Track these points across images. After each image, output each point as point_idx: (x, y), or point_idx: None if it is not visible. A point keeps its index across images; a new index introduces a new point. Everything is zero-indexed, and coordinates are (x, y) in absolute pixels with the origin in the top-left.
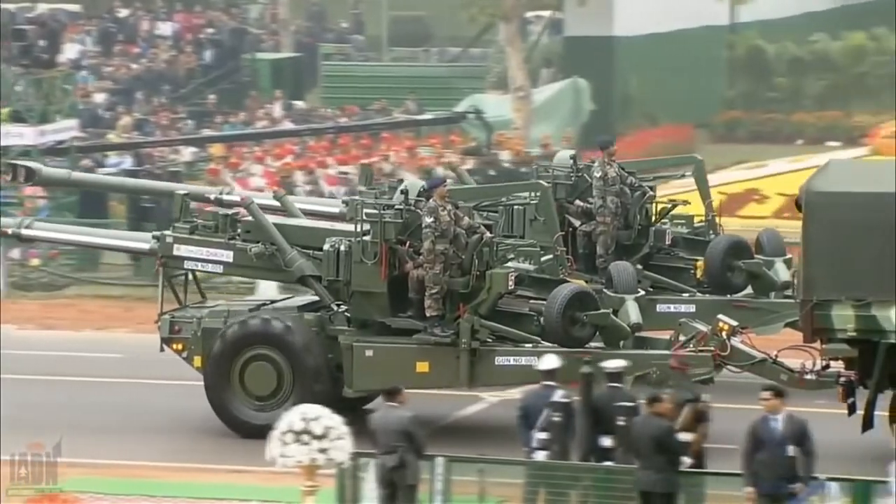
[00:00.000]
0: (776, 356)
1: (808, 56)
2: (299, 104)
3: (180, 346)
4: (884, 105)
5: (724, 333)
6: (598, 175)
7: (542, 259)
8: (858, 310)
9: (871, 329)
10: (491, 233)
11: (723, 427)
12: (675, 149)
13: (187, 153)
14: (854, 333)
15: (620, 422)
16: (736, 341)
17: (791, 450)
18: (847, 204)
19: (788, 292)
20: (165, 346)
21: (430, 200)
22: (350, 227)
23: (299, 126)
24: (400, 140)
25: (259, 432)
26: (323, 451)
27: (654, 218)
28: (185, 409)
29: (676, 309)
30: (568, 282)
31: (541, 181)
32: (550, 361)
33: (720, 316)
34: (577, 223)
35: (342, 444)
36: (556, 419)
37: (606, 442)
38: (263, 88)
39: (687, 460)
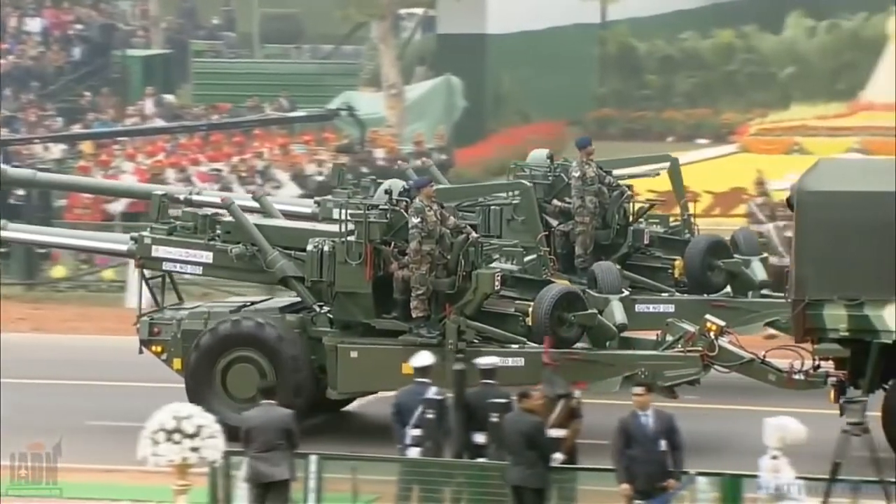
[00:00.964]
0: (764, 356)
1: (678, 54)
2: (171, 100)
3: (160, 349)
4: (752, 103)
5: (712, 334)
6: (576, 175)
7: (526, 259)
8: (851, 309)
9: (864, 329)
10: (476, 233)
11: (594, 423)
12: (546, 146)
13: (57, 150)
14: (846, 333)
15: (493, 418)
16: (724, 341)
17: (663, 445)
18: (839, 203)
19: (765, 291)
20: (144, 349)
21: (417, 200)
22: (332, 227)
23: (171, 123)
24: (273, 137)
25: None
26: (195, 449)
27: (631, 218)
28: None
29: (655, 309)
30: (553, 282)
31: (524, 181)
32: (424, 358)
33: (708, 316)
34: (554, 223)
35: (214, 442)
36: (429, 416)
37: (479, 438)
38: (134, 85)
39: (559, 456)
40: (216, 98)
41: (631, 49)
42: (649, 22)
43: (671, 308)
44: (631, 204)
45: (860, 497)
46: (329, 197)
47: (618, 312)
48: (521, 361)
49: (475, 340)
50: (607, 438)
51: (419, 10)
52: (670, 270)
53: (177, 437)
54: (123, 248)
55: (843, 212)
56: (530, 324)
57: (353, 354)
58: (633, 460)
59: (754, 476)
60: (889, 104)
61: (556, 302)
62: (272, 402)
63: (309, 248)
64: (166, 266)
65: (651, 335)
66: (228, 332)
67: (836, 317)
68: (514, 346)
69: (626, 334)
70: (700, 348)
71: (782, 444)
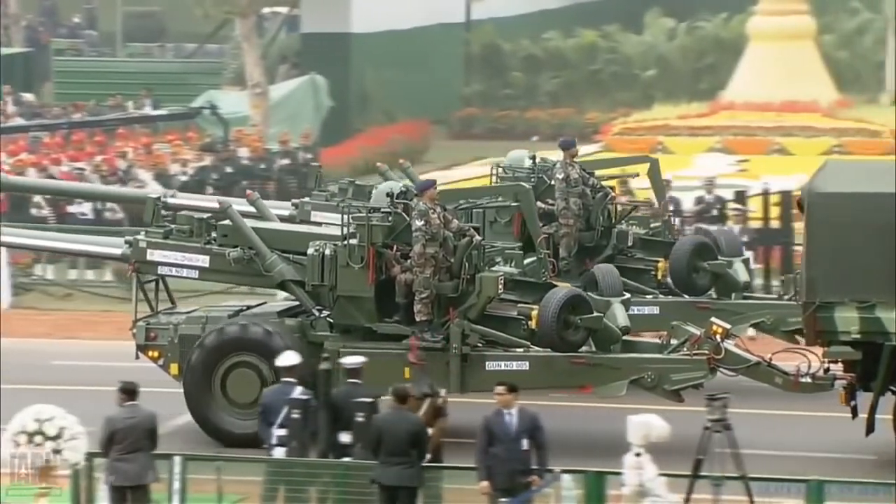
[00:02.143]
0: (770, 359)
1: (542, 54)
2: (30, 99)
3: (156, 354)
4: (616, 102)
5: (717, 336)
6: (559, 176)
7: (525, 262)
8: (862, 312)
9: (876, 331)
10: (479, 235)
11: (459, 421)
12: (412, 145)
13: None
14: (858, 336)
15: (359, 418)
16: (730, 344)
17: (525, 443)
18: (850, 205)
19: (748, 293)
20: (141, 354)
21: (420, 203)
22: (332, 230)
23: (31, 122)
24: (136, 136)
25: (243, 441)
26: (57, 451)
27: (614, 219)
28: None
29: (640, 311)
30: (555, 285)
31: (522, 183)
32: (289, 358)
33: (713, 319)
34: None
35: (76, 444)
36: (295, 416)
37: (345, 438)
38: None
39: (426, 455)
40: (78, 97)
41: (495, 48)
42: (513, 22)
43: (656, 310)
44: (614, 206)
45: (722, 493)
46: (307, 199)
47: (620, 315)
48: (525, 365)
49: (479, 344)
50: (473, 437)
51: (283, 9)
52: (653, 272)
53: (38, 439)
54: (117, 251)
55: (853, 213)
56: (533, 327)
57: None
58: (495, 458)
59: (618, 473)
60: (749, 104)
61: (563, 305)
62: (135, 402)
63: (310, 251)
64: (161, 270)
65: (650, 338)
66: (232, 336)
67: (847, 319)
68: (518, 349)
69: (626, 337)
70: (706, 351)
71: (646, 441)
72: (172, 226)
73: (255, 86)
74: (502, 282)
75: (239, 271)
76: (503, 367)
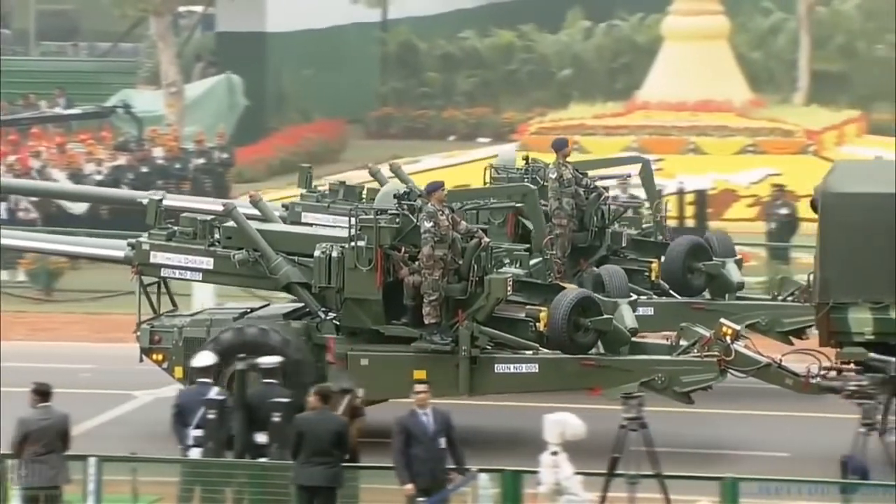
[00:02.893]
0: (781, 360)
1: (458, 53)
2: None
3: (161, 357)
4: (532, 102)
5: (728, 338)
6: (553, 176)
7: (531, 263)
8: (876, 313)
9: (890, 332)
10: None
11: (374, 421)
12: (328, 145)
13: None
14: (872, 337)
15: (275, 418)
16: (739, 346)
17: (442, 442)
18: (864, 205)
19: (741, 293)
20: (145, 357)
21: (429, 205)
22: (338, 232)
23: None
24: (50, 136)
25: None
26: None
27: (608, 220)
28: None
29: (635, 312)
30: (562, 286)
31: (527, 184)
32: (205, 358)
33: (723, 320)
34: (531, 225)
35: None
36: (210, 416)
37: (261, 438)
38: None
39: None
40: None
41: (412, 48)
42: (430, 21)
43: (650, 311)
44: (608, 206)
45: (637, 491)
46: (297, 200)
47: (628, 316)
48: (535, 368)
49: (488, 346)
50: (388, 437)
51: (198, 8)
52: (647, 273)
53: None
54: (120, 254)
55: (868, 214)
56: (542, 329)
57: (364, 362)
58: (415, 459)
59: (534, 472)
60: (664, 103)
61: (574, 307)
62: (48, 403)
63: (316, 253)
64: (165, 273)
65: (651, 339)
66: (237, 339)
67: (861, 320)
68: (527, 352)
69: (636, 339)
70: (717, 353)
71: (562, 439)
72: (175, 228)
73: (170, 85)
74: (511, 283)
75: (243, 273)
76: (512, 370)
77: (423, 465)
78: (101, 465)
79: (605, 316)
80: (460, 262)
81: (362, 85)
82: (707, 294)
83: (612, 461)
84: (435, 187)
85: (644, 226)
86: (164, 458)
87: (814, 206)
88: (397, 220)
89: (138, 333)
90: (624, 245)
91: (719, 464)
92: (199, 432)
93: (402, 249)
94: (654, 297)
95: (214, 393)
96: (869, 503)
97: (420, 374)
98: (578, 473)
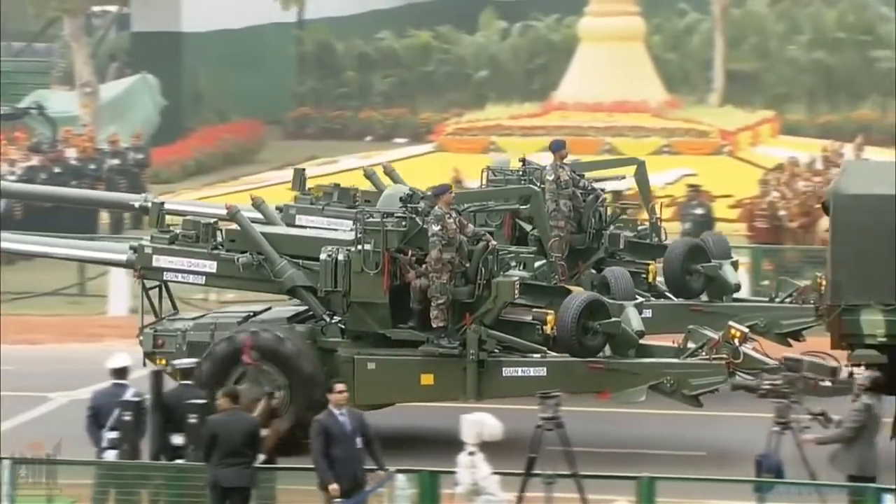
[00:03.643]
0: None
1: (375, 53)
2: None
3: (164, 361)
4: (449, 102)
5: (736, 340)
6: (550, 178)
7: (535, 265)
8: (889, 314)
9: None
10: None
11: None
12: (245, 145)
13: None
14: (884, 339)
15: (192, 419)
16: (748, 348)
17: (359, 442)
18: (876, 207)
19: (738, 295)
20: (148, 361)
21: (436, 208)
22: (344, 235)
23: None
24: None
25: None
26: None
27: (605, 222)
28: None
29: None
30: (568, 289)
31: (532, 186)
32: (120, 360)
33: (731, 322)
34: (528, 227)
35: None
36: (126, 418)
37: (177, 440)
38: None
39: (260, 456)
40: None
41: (328, 48)
42: (346, 21)
43: (649, 313)
44: (605, 208)
45: (554, 491)
46: (291, 202)
47: (634, 319)
48: (543, 371)
49: (496, 350)
50: (305, 437)
51: (113, 8)
52: (644, 275)
53: None
54: (122, 257)
55: (880, 215)
56: (549, 331)
57: (371, 366)
58: (336, 460)
59: (452, 472)
60: (580, 104)
61: (583, 310)
62: None
63: (322, 256)
64: (167, 276)
65: (662, 341)
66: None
67: (873, 322)
68: (535, 355)
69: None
70: (725, 356)
71: (479, 440)
72: (178, 231)
73: (85, 85)
74: (518, 286)
75: (247, 277)
76: (520, 374)
77: (343, 465)
78: (15, 467)
79: (614, 319)
80: (467, 265)
81: (279, 85)
82: (704, 296)
83: (529, 461)
84: (443, 190)
85: (639, 228)
86: (79, 461)
87: (825, 208)
88: (404, 223)
89: (141, 338)
90: (621, 247)
91: (636, 463)
92: (114, 434)
93: (409, 253)
94: (652, 299)
95: (130, 394)
96: (783, 502)
97: (427, 378)
98: (496, 473)
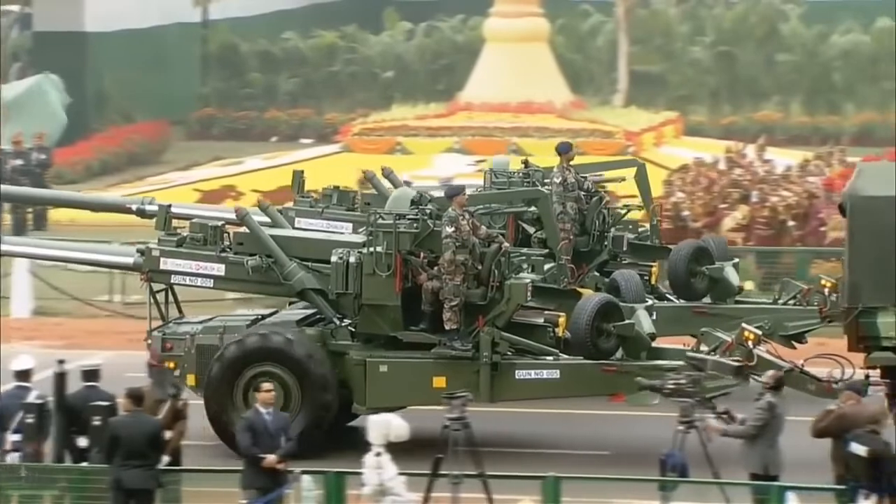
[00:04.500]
0: (803, 365)
1: (280, 53)
2: None
3: (173, 365)
4: (355, 103)
5: (750, 343)
6: (557, 181)
7: (545, 268)
8: None
9: None
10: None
11: (197, 425)
12: (150, 146)
13: None
14: None
15: (96, 422)
16: (761, 350)
17: (282, 442)
18: (893, 208)
19: (739, 297)
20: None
21: (449, 209)
22: (354, 238)
23: None
24: None
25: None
26: None
27: (609, 224)
28: None
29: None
30: (578, 292)
31: (540, 188)
32: (23, 362)
33: (744, 325)
34: (531, 230)
35: None
36: (29, 421)
37: (82, 442)
38: None
39: (165, 458)
40: None
41: (233, 48)
42: (251, 21)
43: (653, 316)
44: (608, 210)
45: (460, 491)
46: (290, 205)
47: (645, 322)
48: (556, 374)
49: (509, 353)
50: (211, 440)
51: (15, 7)
52: (646, 277)
53: None
54: (129, 260)
55: None
56: (560, 334)
57: (383, 369)
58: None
59: (358, 473)
60: (486, 104)
61: (597, 312)
62: None
63: (333, 259)
64: (175, 279)
65: (671, 344)
66: (255, 346)
67: (890, 325)
68: (548, 358)
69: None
70: (739, 358)
71: (385, 440)
72: (186, 233)
73: None
74: (530, 289)
75: (256, 280)
76: (533, 376)
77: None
78: None
79: (628, 321)
80: (480, 267)
81: (184, 86)
82: (708, 298)
83: (436, 461)
84: (456, 191)
85: (640, 230)
86: None
87: (842, 210)
88: (416, 224)
89: (149, 341)
90: (625, 249)
91: (541, 463)
92: (17, 437)
93: (421, 255)
94: (655, 301)
95: (33, 397)
96: (687, 501)
97: (440, 380)
98: (402, 474)
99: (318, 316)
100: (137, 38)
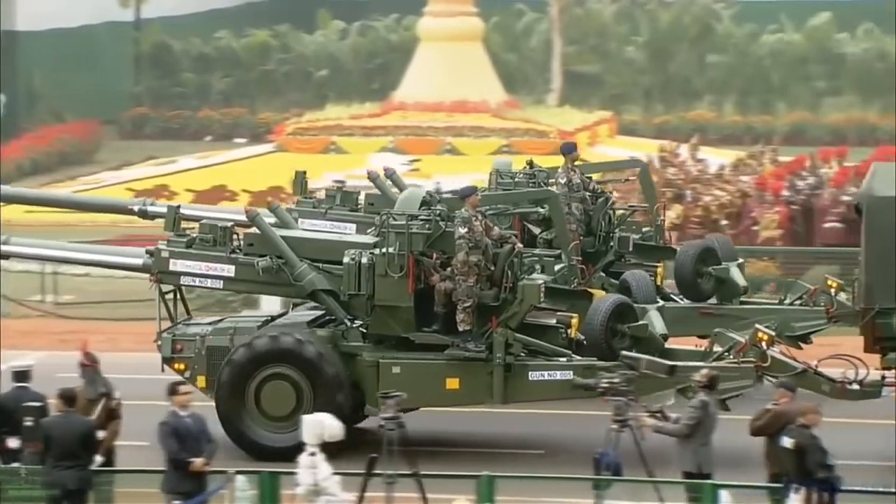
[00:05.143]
0: (817, 366)
1: (213, 53)
2: None
3: (182, 366)
4: (289, 102)
5: (763, 343)
6: (562, 181)
7: (555, 269)
8: None
9: None
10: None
11: (133, 425)
12: (81, 146)
13: None
14: None
15: (28, 422)
16: (775, 351)
17: (204, 443)
18: None
19: (745, 297)
20: (167, 366)
21: (462, 210)
22: (366, 238)
23: None
24: None
25: (281, 454)
26: None
27: (614, 224)
28: None
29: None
30: (589, 292)
31: (551, 189)
32: None
33: (758, 325)
34: (536, 231)
35: None
36: None
37: (13, 443)
38: None
39: (98, 458)
40: None
41: (166, 48)
42: (184, 21)
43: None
44: (613, 211)
45: (395, 490)
46: (292, 206)
47: (657, 322)
48: (570, 375)
49: (522, 354)
50: (145, 440)
51: None
52: (651, 277)
53: None
54: (138, 262)
55: None
56: (572, 335)
57: (396, 370)
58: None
59: (292, 473)
60: (420, 104)
61: (611, 313)
62: None
63: (345, 260)
64: (184, 280)
65: (682, 345)
66: (266, 347)
67: None
68: (561, 359)
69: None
70: (753, 359)
71: (320, 440)
72: (196, 234)
73: None
74: (543, 290)
75: (265, 281)
76: (546, 377)
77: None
78: None
79: (642, 322)
80: (493, 268)
81: (116, 85)
82: (713, 299)
83: (370, 461)
84: (469, 192)
85: (643, 230)
86: None
87: (857, 210)
88: (428, 225)
89: (159, 343)
90: (630, 250)
91: (477, 462)
92: None
93: (434, 255)
94: (661, 301)
95: None
96: (621, 499)
97: (453, 382)
98: (336, 473)
99: (327, 317)
100: (68, 38)
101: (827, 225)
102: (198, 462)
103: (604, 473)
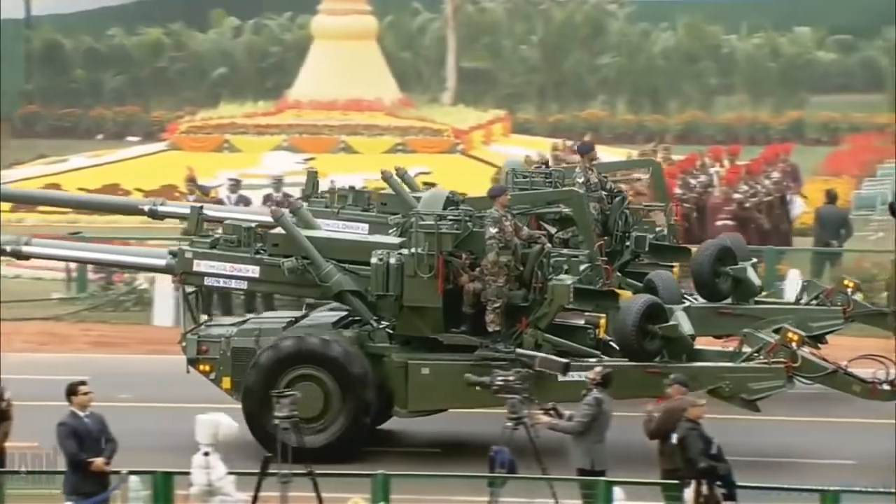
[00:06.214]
0: (847, 366)
1: (105, 51)
2: None
3: (208, 368)
4: (182, 100)
5: (793, 344)
6: (580, 181)
7: (581, 269)
8: None
9: None
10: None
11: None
12: None
13: None
14: None
15: None
16: (805, 352)
17: (103, 443)
18: None
19: (761, 296)
20: (192, 368)
21: (492, 210)
22: (392, 239)
23: None
24: None
25: (311, 455)
26: None
27: (631, 224)
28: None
29: None
30: (616, 293)
31: (574, 188)
32: None
33: (787, 325)
34: (552, 230)
35: None
36: None
37: None
38: None
39: None
40: None
41: (57, 46)
42: (75, 18)
43: None
44: (629, 210)
45: (290, 490)
46: (305, 205)
47: (684, 323)
48: None
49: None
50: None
51: None
52: None
53: None
54: (161, 262)
55: None
56: (601, 336)
57: (425, 371)
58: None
59: (186, 473)
60: (315, 102)
61: (643, 314)
62: None
63: (373, 260)
64: (209, 281)
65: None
66: (292, 349)
67: None
68: (591, 359)
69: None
70: (783, 359)
71: (214, 440)
72: (220, 235)
73: None
74: (572, 290)
75: (291, 282)
76: (576, 378)
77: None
78: None
79: (672, 322)
80: (522, 268)
81: (7, 83)
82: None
83: (265, 460)
84: (499, 192)
85: (657, 230)
86: None
87: (892, 211)
88: (457, 225)
89: (184, 344)
90: (646, 250)
91: (372, 461)
92: None
93: (463, 256)
94: (686, 302)
95: None
96: (515, 496)
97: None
98: (231, 473)
99: (352, 318)
100: None
101: (719, 223)
102: (98, 461)
103: (498, 471)
